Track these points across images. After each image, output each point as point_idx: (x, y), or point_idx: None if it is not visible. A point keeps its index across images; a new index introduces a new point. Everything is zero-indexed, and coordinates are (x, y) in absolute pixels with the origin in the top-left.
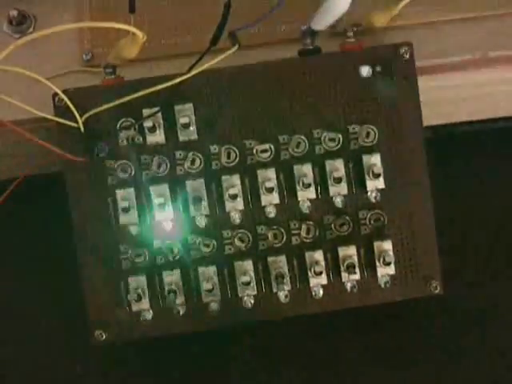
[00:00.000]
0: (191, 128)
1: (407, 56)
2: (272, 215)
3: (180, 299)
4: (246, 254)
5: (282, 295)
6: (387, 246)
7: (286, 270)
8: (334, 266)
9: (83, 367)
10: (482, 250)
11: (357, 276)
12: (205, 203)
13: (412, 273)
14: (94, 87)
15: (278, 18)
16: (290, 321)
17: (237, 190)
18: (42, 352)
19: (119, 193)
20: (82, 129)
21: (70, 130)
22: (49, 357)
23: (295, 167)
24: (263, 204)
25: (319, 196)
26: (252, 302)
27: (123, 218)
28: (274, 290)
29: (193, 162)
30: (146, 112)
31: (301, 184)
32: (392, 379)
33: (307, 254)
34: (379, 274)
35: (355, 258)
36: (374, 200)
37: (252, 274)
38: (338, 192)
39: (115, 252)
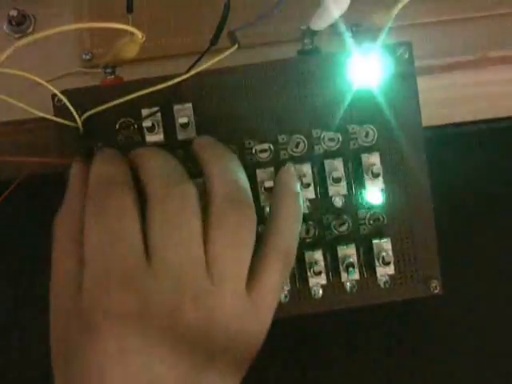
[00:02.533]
0: (190, 128)
1: (406, 55)
2: None
3: None
4: None
5: (281, 295)
6: (386, 245)
7: None
8: (333, 266)
9: None
10: (482, 249)
11: (356, 276)
12: None
13: (412, 272)
14: (94, 87)
15: (278, 17)
16: (288, 319)
17: None
18: (42, 352)
19: None
20: (82, 129)
21: (70, 129)
22: (49, 356)
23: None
24: (262, 204)
25: (318, 196)
26: None
27: None
28: None
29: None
30: (145, 112)
31: (300, 184)
32: (391, 379)
33: (306, 254)
34: (378, 274)
35: (354, 258)
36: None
37: None
38: (338, 192)
39: None
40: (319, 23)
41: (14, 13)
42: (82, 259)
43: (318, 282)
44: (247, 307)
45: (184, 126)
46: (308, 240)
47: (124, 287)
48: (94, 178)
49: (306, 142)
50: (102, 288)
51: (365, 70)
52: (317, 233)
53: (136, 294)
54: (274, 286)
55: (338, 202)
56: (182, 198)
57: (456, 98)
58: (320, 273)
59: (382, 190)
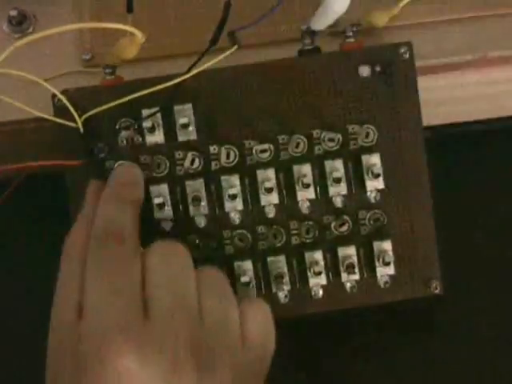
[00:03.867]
0: (190, 128)
1: (407, 56)
2: (271, 215)
3: None
4: (245, 254)
5: (281, 295)
6: (387, 246)
7: (285, 270)
8: (333, 266)
9: None
10: (482, 249)
11: (356, 276)
12: (204, 203)
13: (412, 273)
14: (94, 87)
15: (278, 17)
16: (287, 320)
17: (236, 190)
18: (41, 355)
19: None
20: (82, 129)
21: (70, 130)
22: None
23: (295, 167)
24: (263, 204)
25: (319, 196)
26: None
27: None
28: (274, 291)
29: (192, 162)
30: (145, 112)
31: (300, 184)
32: (392, 379)
33: (307, 254)
34: (379, 274)
35: (355, 258)
36: (373, 200)
37: (251, 274)
38: (338, 192)
39: None
40: (319, 23)
41: (13, 12)
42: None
43: (318, 283)
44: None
45: (184, 126)
46: (308, 240)
47: (122, 341)
48: (99, 222)
49: (306, 142)
50: (99, 339)
51: (365, 70)
52: (317, 233)
53: (134, 348)
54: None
55: (339, 202)
56: (179, 252)
57: (456, 97)
58: (320, 273)
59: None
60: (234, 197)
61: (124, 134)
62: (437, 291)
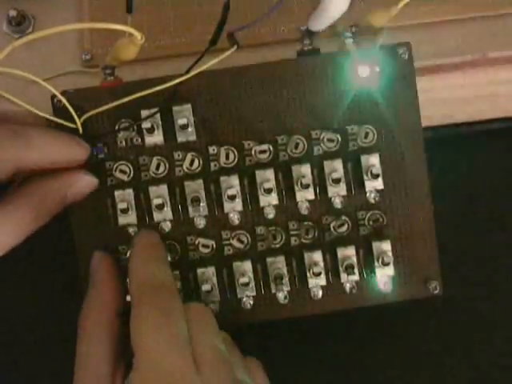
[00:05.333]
0: (189, 129)
1: (406, 56)
2: (271, 216)
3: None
4: (244, 255)
5: (280, 296)
6: (386, 246)
7: (284, 270)
8: (332, 267)
9: None
10: (481, 249)
11: (356, 277)
12: (203, 204)
13: (411, 273)
14: (93, 88)
15: (277, 18)
16: (290, 320)
17: (235, 190)
18: (39, 356)
19: (118, 194)
20: (81, 130)
21: (69, 130)
22: (48, 363)
23: (294, 168)
24: (262, 205)
25: (318, 197)
26: (251, 302)
27: (122, 219)
28: (273, 291)
29: (191, 162)
30: (144, 113)
31: (299, 185)
32: (392, 379)
33: (306, 255)
34: (378, 275)
35: (354, 259)
36: (372, 200)
37: (251, 275)
38: (337, 193)
39: (114, 253)
40: (318, 24)
41: (13, 13)
42: (115, 363)
43: (317, 283)
44: None
45: (183, 127)
46: (307, 241)
47: None
48: (138, 280)
49: (305, 142)
50: None
51: (364, 70)
52: (316, 234)
53: None
54: None
55: (338, 202)
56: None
57: (456, 98)
58: (319, 274)
59: (382, 190)
60: (233, 197)
61: (123, 134)
62: (436, 291)
